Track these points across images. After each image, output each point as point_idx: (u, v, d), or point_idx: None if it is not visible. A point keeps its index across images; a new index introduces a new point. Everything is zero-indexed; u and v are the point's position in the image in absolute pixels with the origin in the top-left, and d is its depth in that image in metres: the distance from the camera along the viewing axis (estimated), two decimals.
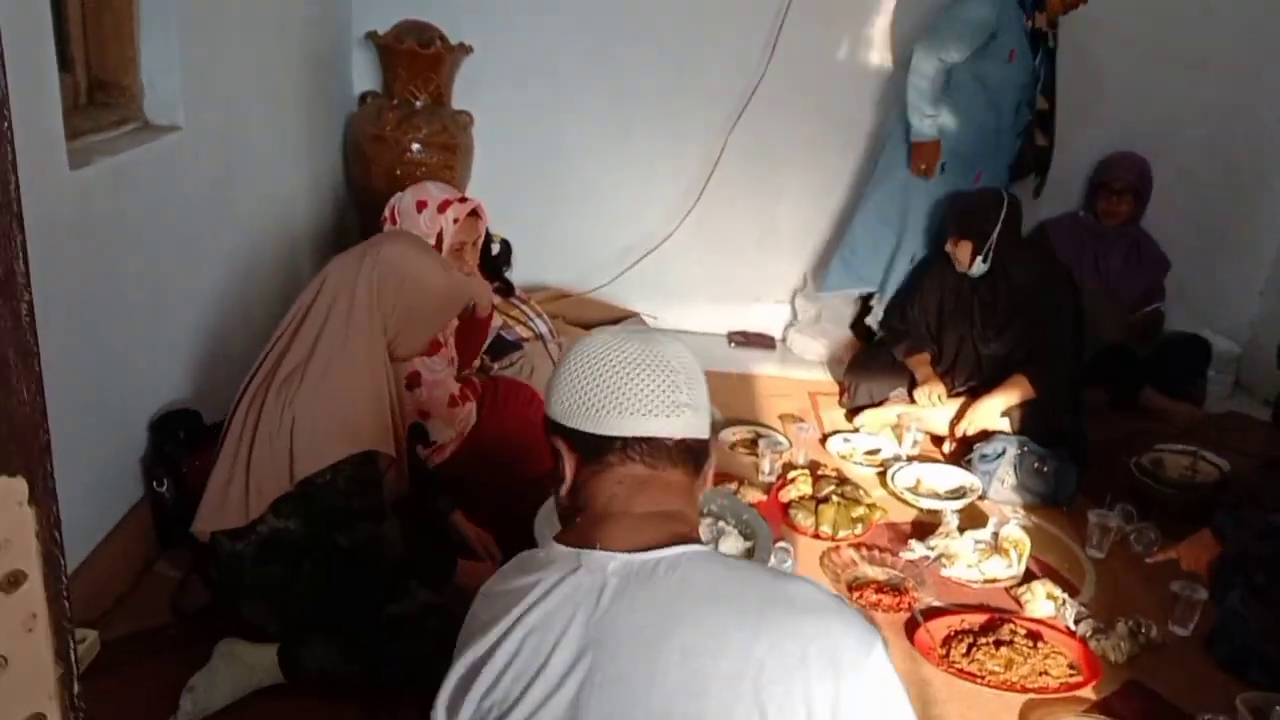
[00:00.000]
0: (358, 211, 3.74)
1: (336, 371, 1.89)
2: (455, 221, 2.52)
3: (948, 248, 3.32)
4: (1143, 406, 3.67)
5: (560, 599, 1.03)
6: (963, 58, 3.40)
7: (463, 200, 2.56)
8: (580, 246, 3.99)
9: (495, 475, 2.50)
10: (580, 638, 1.00)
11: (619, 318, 3.68)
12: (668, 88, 3.85)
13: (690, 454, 1.12)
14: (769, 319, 4.19)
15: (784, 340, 4.15)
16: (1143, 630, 2.35)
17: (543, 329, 3.16)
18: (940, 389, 3.27)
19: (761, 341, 4.13)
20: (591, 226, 3.99)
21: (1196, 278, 4.02)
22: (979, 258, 3.21)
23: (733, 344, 4.10)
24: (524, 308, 3.18)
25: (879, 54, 3.85)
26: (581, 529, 1.11)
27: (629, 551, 1.04)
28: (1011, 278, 3.23)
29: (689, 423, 1.11)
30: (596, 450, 1.12)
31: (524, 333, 3.12)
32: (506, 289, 2.96)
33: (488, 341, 2.84)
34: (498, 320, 2.96)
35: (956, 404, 3.25)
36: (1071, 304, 3.25)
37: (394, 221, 2.55)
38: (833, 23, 3.81)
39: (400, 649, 1.93)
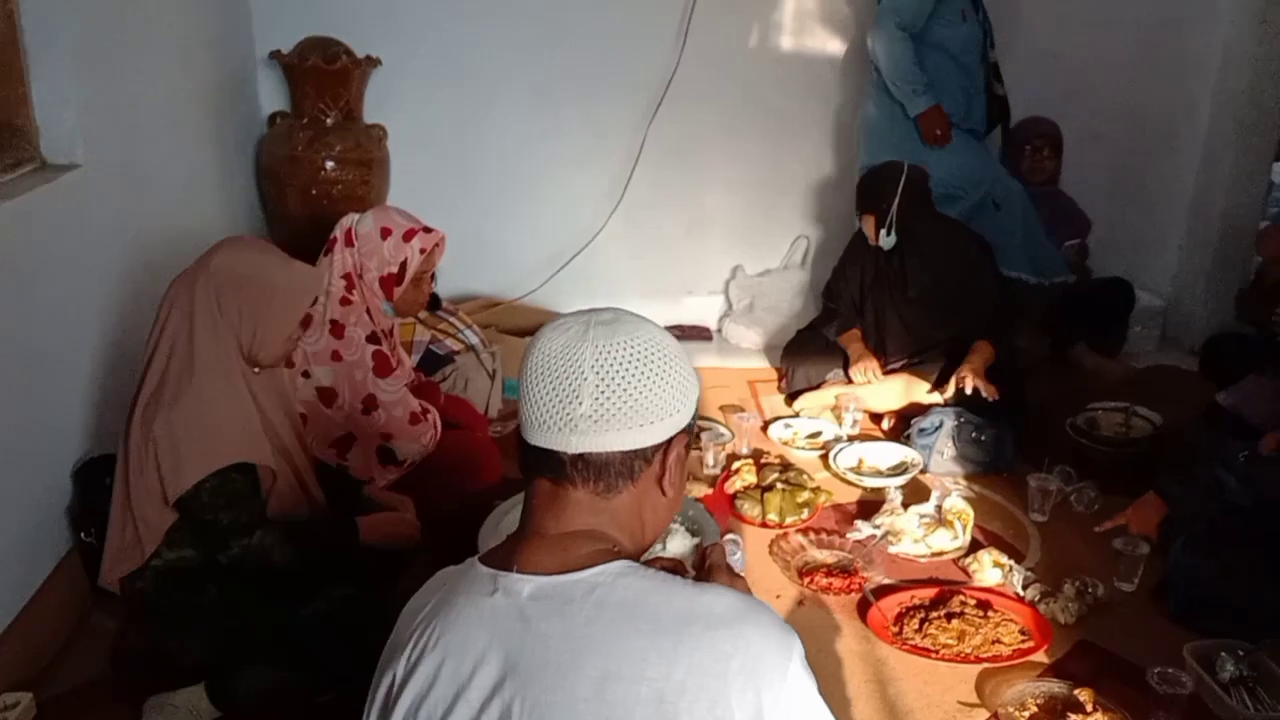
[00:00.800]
0: (276, 236, 3.66)
1: (189, 391, 1.87)
2: (423, 252, 2.49)
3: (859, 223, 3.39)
4: (1075, 363, 3.74)
5: (476, 623, 1.01)
6: (916, 19, 3.45)
7: (428, 230, 2.52)
8: (508, 252, 3.96)
9: (439, 492, 2.46)
10: (499, 665, 0.98)
11: None
12: (584, 85, 3.83)
13: (593, 470, 1.06)
14: (704, 310, 4.20)
15: (720, 330, 4.16)
16: (1090, 589, 2.39)
17: (474, 340, 3.13)
18: (874, 365, 3.29)
19: (698, 334, 4.13)
20: (518, 231, 3.96)
21: (1117, 236, 4.10)
22: (883, 230, 3.25)
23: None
24: (453, 320, 3.14)
25: (791, 38, 3.87)
26: (506, 548, 1.09)
27: (546, 574, 1.02)
28: (920, 247, 3.27)
29: (591, 438, 1.05)
30: (523, 459, 1.11)
31: (455, 345, 3.09)
32: (433, 302, 2.91)
33: (416, 357, 2.80)
34: (425, 335, 2.92)
35: (893, 381, 3.28)
36: (986, 262, 3.33)
37: (349, 243, 2.48)
38: (741, 9, 3.81)
39: (325, 650, 1.89)
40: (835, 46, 3.89)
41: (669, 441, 1.09)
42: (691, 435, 1.13)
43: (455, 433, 2.55)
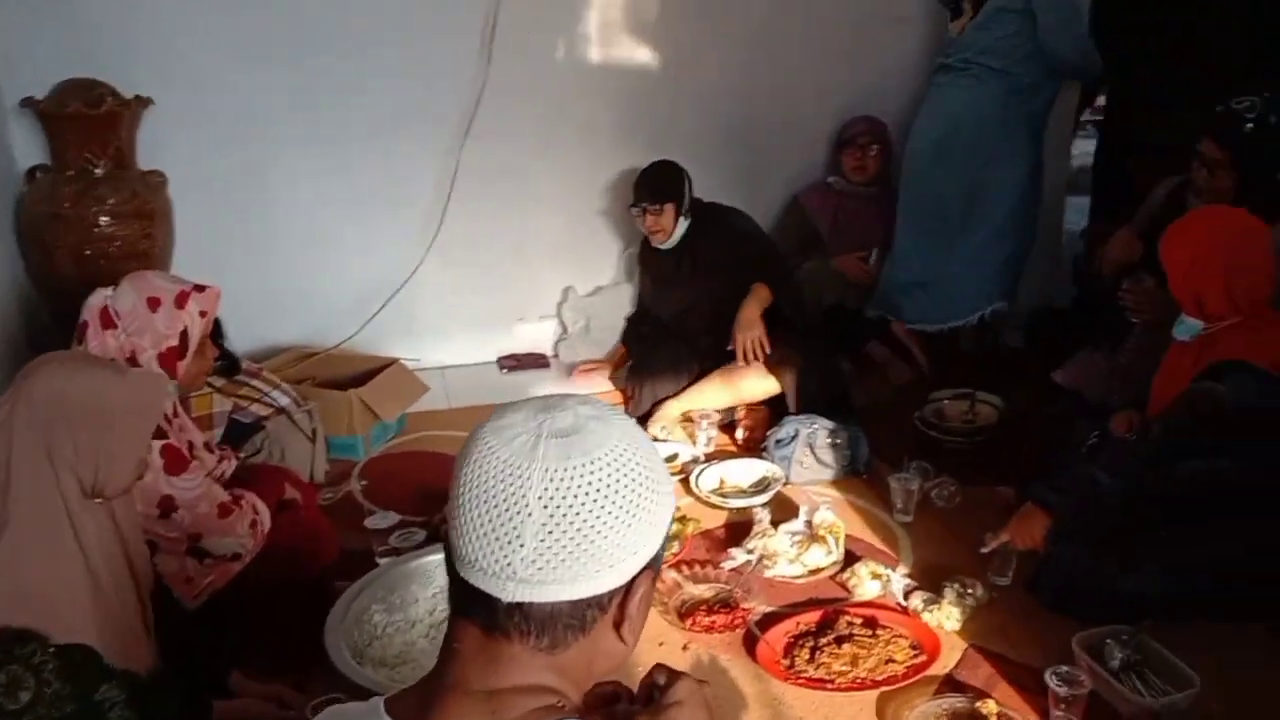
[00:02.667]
0: (49, 305, 3.23)
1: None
2: (203, 315, 2.15)
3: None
4: (869, 360, 3.74)
5: None
6: None
7: (200, 289, 2.17)
8: (316, 299, 3.64)
9: (271, 581, 2.16)
10: None
11: (378, 368, 3.38)
12: (383, 113, 3.55)
13: (535, 623, 0.86)
14: (538, 337, 4.01)
15: (556, 356, 3.98)
16: (969, 590, 2.35)
17: (284, 401, 2.82)
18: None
19: (534, 362, 3.94)
20: (324, 276, 3.64)
21: None
22: (681, 218, 3.38)
23: (504, 370, 3.90)
24: (255, 383, 2.81)
25: (599, 49, 3.73)
26: (418, 700, 0.88)
27: None
28: (706, 229, 3.41)
29: (533, 588, 0.85)
30: (450, 588, 0.91)
31: (262, 411, 2.77)
32: (230, 366, 2.56)
33: (218, 431, 2.48)
34: (226, 404, 2.59)
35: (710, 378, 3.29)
36: (759, 232, 3.49)
37: (107, 325, 2.09)
38: (544, 25, 3.64)
39: None
40: (644, 54, 3.78)
41: (631, 582, 0.89)
42: (659, 570, 0.93)
43: (279, 516, 2.25)
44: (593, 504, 0.84)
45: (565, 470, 0.85)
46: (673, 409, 3.31)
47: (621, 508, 0.85)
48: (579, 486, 0.84)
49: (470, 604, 0.87)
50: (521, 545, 0.84)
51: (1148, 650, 2.09)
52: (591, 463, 0.85)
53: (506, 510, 0.84)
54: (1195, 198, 2.79)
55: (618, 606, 0.89)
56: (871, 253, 3.78)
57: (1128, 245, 3.06)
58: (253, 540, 2.12)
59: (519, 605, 0.85)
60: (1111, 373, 2.90)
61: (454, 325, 3.87)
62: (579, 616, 0.87)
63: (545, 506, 0.84)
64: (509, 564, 0.84)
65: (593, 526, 0.84)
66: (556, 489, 0.84)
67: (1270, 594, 2.21)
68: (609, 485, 0.85)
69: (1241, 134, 2.60)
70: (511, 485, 0.84)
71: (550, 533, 0.84)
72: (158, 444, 1.98)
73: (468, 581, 0.87)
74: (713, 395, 3.27)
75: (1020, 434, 3.07)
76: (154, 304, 2.10)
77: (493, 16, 3.52)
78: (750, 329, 3.15)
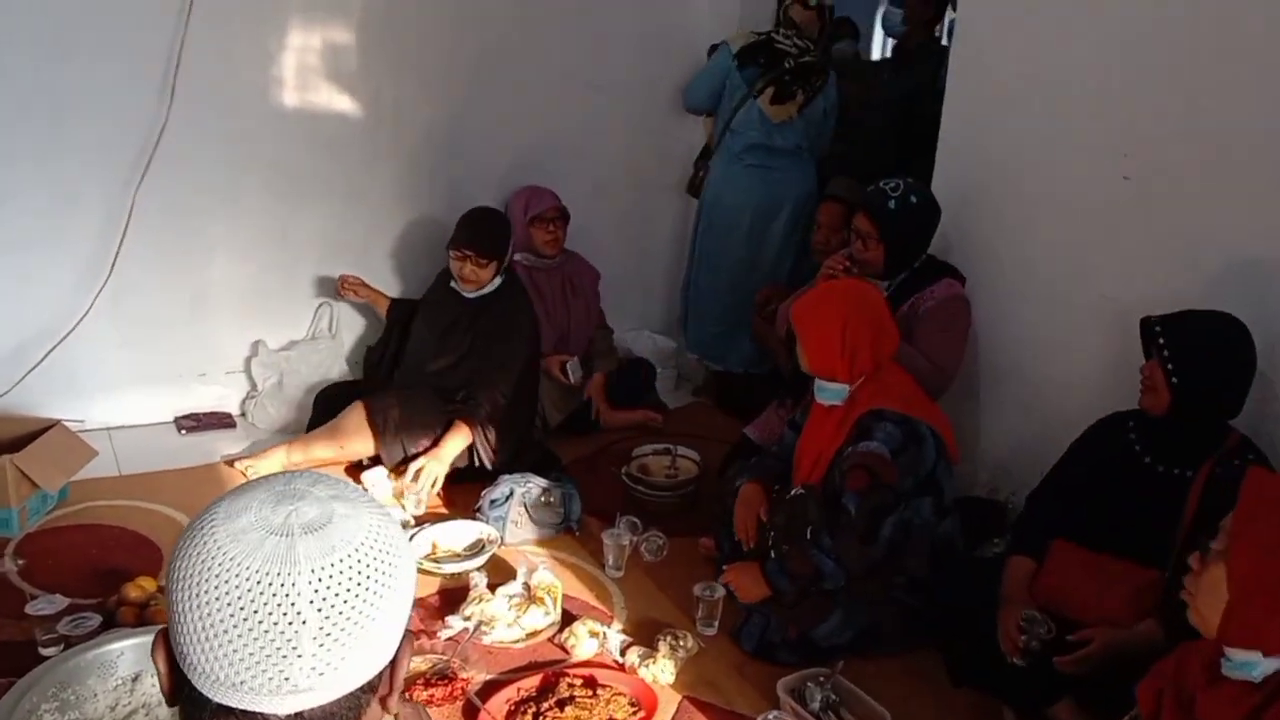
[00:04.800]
0: None
1: None
2: None
3: None
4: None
5: None
6: None
7: None
8: None
9: None
10: None
11: (35, 431, 2.97)
12: (43, 148, 3.17)
13: None
14: (222, 394, 3.71)
15: (244, 415, 3.71)
16: (680, 642, 2.43)
17: None
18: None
19: (217, 421, 3.65)
20: None
21: (629, 285, 4.33)
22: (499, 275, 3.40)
23: (183, 430, 3.57)
24: None
25: (295, 93, 3.55)
26: None
27: None
28: (493, 303, 3.38)
29: (312, 695, 0.80)
30: (186, 711, 0.82)
31: None
32: None
33: None
34: None
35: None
36: (520, 339, 3.36)
37: None
38: (235, 59, 3.42)
39: None
40: (344, 103, 3.65)
41: (395, 654, 0.87)
42: (411, 631, 0.90)
43: None
44: (364, 593, 0.81)
45: (332, 566, 0.80)
46: (280, 457, 3.22)
47: (388, 587, 0.82)
48: (349, 579, 0.80)
49: None
50: (299, 655, 0.78)
51: (842, 689, 2.27)
52: (354, 551, 0.81)
53: (276, 624, 0.77)
54: (855, 267, 3.08)
55: (387, 680, 0.87)
56: (569, 361, 3.79)
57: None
58: None
59: (299, 715, 0.80)
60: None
61: (125, 382, 3.50)
62: (355, 703, 0.83)
63: (320, 610, 0.78)
64: (286, 678, 0.78)
65: (367, 615, 0.81)
66: (328, 588, 0.79)
67: (936, 621, 2.48)
68: (374, 569, 0.82)
69: (886, 210, 2.91)
70: (277, 596, 0.77)
71: (329, 635, 0.79)
72: None
73: (227, 705, 0.79)
74: (320, 450, 3.23)
75: (715, 487, 3.24)
76: None
77: (177, 50, 3.26)
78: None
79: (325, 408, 3.41)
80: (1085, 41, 2.82)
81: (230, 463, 3.30)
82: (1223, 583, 1.36)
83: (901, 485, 2.44)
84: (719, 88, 3.95)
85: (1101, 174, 2.79)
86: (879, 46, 7.96)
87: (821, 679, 2.27)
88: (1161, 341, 2.18)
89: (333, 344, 3.80)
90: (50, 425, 3.04)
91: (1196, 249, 2.57)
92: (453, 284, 3.42)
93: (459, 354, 3.38)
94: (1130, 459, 2.31)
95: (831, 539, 2.43)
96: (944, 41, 4.61)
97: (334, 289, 3.72)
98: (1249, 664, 1.38)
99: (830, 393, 2.59)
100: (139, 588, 2.42)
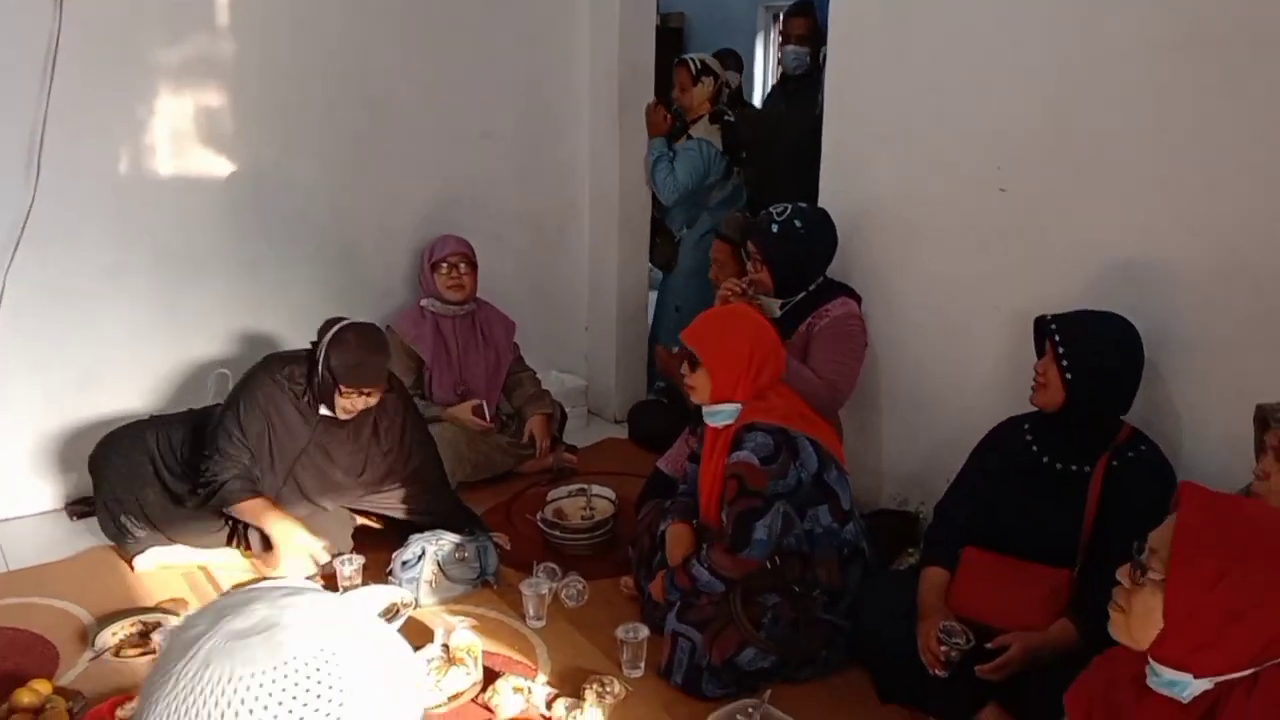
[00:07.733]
0: None
1: None
2: None
3: None
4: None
5: None
6: None
7: None
8: None
9: None
10: None
11: None
12: None
13: None
14: None
15: None
16: (607, 689, 2.39)
17: None
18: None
19: None
20: None
21: (535, 328, 4.30)
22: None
23: (75, 517, 3.40)
24: None
25: (170, 161, 3.45)
26: None
27: None
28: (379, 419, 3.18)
29: None
30: None
31: None
32: None
33: None
34: None
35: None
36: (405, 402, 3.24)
37: None
38: (101, 131, 3.30)
39: None
40: (221, 168, 3.56)
41: None
42: None
43: None
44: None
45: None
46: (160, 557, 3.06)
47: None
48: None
49: None
50: None
51: (771, 718, 2.25)
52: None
53: None
54: (751, 288, 3.10)
55: None
56: (477, 404, 3.73)
57: None
58: None
59: None
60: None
61: (8, 469, 3.34)
62: None
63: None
64: None
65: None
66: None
67: (859, 639, 2.49)
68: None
69: (769, 233, 2.97)
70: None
71: None
72: None
73: None
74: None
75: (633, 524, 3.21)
76: None
77: (41, 127, 3.14)
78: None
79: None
80: (949, 60, 2.92)
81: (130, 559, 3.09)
82: (1158, 610, 1.33)
83: (771, 490, 2.47)
84: (706, 173, 4.17)
85: (978, 189, 2.88)
86: (761, 78, 8.19)
87: (750, 709, 2.25)
88: (1057, 338, 2.26)
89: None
90: None
91: (1074, 252, 2.67)
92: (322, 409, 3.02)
93: (359, 469, 3.13)
94: (1029, 460, 2.37)
95: (709, 549, 2.51)
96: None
97: (224, 361, 3.61)
98: (1178, 684, 1.35)
99: (723, 414, 2.62)
100: (33, 692, 2.28)
